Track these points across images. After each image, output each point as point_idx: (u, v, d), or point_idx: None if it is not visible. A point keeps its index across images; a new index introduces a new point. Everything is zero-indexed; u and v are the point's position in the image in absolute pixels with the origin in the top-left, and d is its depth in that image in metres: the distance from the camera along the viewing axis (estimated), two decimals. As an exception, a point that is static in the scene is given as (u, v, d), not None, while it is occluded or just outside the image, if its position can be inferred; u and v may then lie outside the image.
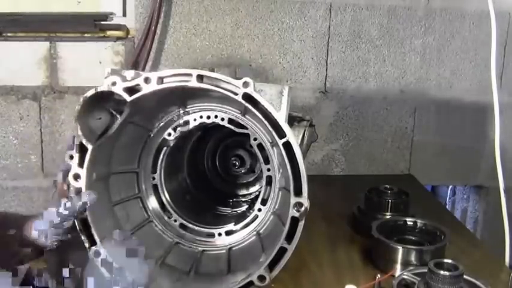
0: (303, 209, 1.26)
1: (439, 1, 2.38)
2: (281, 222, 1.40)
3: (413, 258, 1.52)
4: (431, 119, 2.50)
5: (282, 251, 1.30)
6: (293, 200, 1.27)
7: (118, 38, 2.22)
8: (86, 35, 2.22)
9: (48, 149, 2.25)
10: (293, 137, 1.27)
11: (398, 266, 1.53)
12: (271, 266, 1.32)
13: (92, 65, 2.16)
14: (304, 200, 1.26)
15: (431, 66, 2.44)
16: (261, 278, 1.31)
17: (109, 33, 2.23)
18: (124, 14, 2.28)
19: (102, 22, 2.24)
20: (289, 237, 1.29)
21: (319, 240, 1.75)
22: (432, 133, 2.51)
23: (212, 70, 1.32)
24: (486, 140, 2.35)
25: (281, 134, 1.27)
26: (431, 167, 2.55)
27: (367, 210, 1.85)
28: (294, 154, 1.26)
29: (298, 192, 1.27)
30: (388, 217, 1.78)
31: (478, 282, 1.36)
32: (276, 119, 1.27)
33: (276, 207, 1.51)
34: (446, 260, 1.34)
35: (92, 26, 2.21)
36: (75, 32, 2.22)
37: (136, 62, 2.18)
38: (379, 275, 1.44)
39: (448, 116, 2.49)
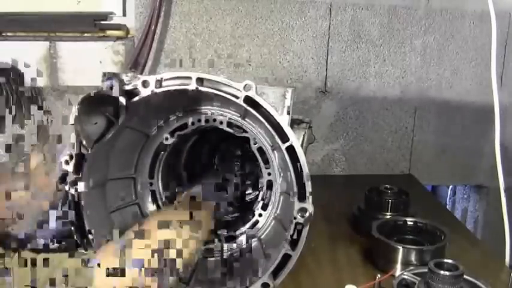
0: (307, 214, 1.23)
1: (439, 1, 2.38)
2: (283, 228, 1.39)
3: (413, 258, 1.52)
4: (431, 119, 2.50)
5: (286, 257, 1.28)
6: (297, 205, 1.24)
7: (118, 38, 2.22)
8: (85, 34, 2.22)
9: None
10: (297, 141, 1.24)
11: (399, 266, 1.53)
12: (275, 273, 1.29)
13: (91, 65, 2.16)
14: (309, 206, 1.24)
15: (432, 66, 2.44)
16: (265, 285, 1.29)
17: (109, 32, 2.23)
18: (124, 14, 2.28)
19: (102, 22, 2.24)
20: (293, 244, 1.27)
21: (319, 240, 1.74)
22: (432, 133, 2.51)
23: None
24: (486, 139, 2.34)
25: (284, 138, 1.24)
26: (431, 167, 2.55)
27: (367, 210, 1.85)
28: (298, 158, 1.24)
29: (302, 198, 1.24)
30: (388, 217, 1.77)
31: (478, 282, 1.36)
32: (279, 123, 1.24)
33: (278, 212, 1.49)
34: (446, 260, 1.34)
35: (91, 25, 2.21)
36: (75, 31, 2.21)
37: (136, 62, 2.17)
38: (379, 275, 1.44)
39: (448, 116, 2.49)
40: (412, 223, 1.68)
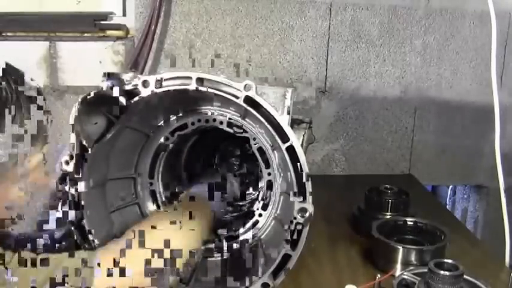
0: (307, 214, 1.23)
1: (439, 1, 2.38)
2: (282, 228, 1.38)
3: (413, 258, 1.52)
4: (431, 119, 2.50)
5: (286, 257, 1.28)
6: (297, 205, 1.24)
7: (118, 38, 2.22)
8: (85, 34, 2.22)
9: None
10: (297, 141, 1.24)
11: (399, 266, 1.52)
12: (275, 273, 1.29)
13: (91, 65, 2.16)
14: (309, 206, 1.24)
15: (432, 66, 2.44)
16: (265, 285, 1.29)
17: (109, 32, 2.23)
18: (124, 14, 2.28)
19: (102, 22, 2.24)
20: (293, 244, 1.27)
21: (319, 240, 1.74)
22: (432, 133, 2.51)
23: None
24: (486, 139, 2.34)
25: (284, 138, 1.24)
26: (431, 167, 2.55)
27: (367, 210, 1.85)
28: (298, 158, 1.24)
29: (302, 198, 1.24)
30: (388, 217, 1.77)
31: (478, 282, 1.36)
32: (279, 123, 1.24)
33: (278, 212, 1.49)
34: (446, 260, 1.34)
35: (91, 25, 2.21)
36: (75, 31, 2.22)
37: (136, 62, 2.17)
38: (379, 275, 1.44)
39: (448, 116, 2.49)
40: (412, 223, 1.68)
